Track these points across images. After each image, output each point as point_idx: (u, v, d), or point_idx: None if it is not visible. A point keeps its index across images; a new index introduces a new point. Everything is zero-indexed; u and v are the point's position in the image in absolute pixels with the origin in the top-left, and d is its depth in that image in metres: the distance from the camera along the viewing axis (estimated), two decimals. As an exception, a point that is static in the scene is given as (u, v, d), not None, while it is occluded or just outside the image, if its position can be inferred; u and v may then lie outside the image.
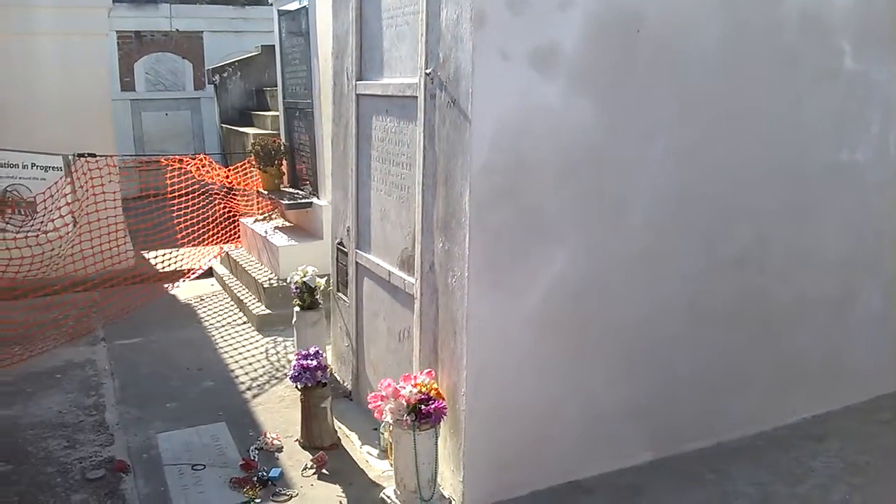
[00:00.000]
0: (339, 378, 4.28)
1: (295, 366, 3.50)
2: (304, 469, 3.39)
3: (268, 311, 5.53)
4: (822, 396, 3.79)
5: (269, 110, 9.76)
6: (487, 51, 2.78)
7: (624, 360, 3.23)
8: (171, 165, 6.88)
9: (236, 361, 4.81)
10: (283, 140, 6.88)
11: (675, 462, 3.33)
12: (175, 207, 6.82)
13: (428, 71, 3.08)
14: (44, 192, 6.26)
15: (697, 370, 3.42)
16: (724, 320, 3.45)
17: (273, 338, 5.20)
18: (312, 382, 3.49)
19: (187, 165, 6.76)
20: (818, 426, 3.66)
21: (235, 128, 10.27)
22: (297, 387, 3.57)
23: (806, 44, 3.43)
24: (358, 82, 3.84)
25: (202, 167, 6.76)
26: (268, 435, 3.64)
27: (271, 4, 6.98)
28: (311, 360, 3.48)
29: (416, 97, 3.19)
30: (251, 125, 10.09)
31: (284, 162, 6.72)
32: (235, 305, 6.05)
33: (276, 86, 7.33)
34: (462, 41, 2.83)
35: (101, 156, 6.34)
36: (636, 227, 3.18)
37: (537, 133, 2.92)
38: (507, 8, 2.79)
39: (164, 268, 6.78)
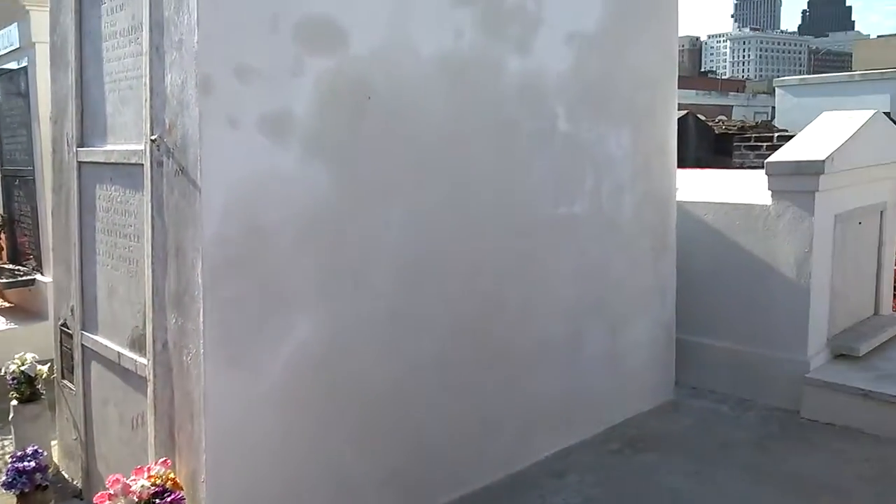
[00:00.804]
0: (67, 477, 3.82)
1: (9, 470, 3.07)
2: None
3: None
4: (562, 433, 4.05)
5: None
6: (215, 117, 2.69)
7: (374, 426, 3.21)
8: None
9: (-58, 469, 4.13)
10: (2, 211, 6.21)
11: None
12: None
13: (153, 137, 2.92)
14: None
15: (449, 425, 3.49)
16: (471, 373, 3.57)
17: (-13, 438, 4.56)
18: (30, 487, 3.08)
19: None
20: (559, 462, 3.89)
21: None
22: (14, 493, 3.13)
23: (525, 111, 3.72)
24: (79, 149, 3.55)
25: None
26: (-21, 553, 3.15)
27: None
28: (29, 461, 3.08)
29: (142, 165, 3.00)
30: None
31: (3, 235, 6.05)
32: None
33: (-6, 151, 6.62)
34: (188, 107, 2.72)
35: None
36: (380, 291, 3.21)
37: (272, 200, 2.86)
38: (234, 74, 2.72)
39: None
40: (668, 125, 4.54)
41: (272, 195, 2.86)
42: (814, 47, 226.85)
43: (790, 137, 6.97)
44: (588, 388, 4.20)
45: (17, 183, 6.13)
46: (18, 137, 6.10)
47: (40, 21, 5.12)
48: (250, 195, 2.80)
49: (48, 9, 3.85)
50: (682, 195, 4.77)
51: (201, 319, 2.69)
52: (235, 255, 2.77)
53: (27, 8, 5.65)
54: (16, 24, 5.92)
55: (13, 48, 6.05)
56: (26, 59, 5.86)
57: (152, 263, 2.95)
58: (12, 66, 6.10)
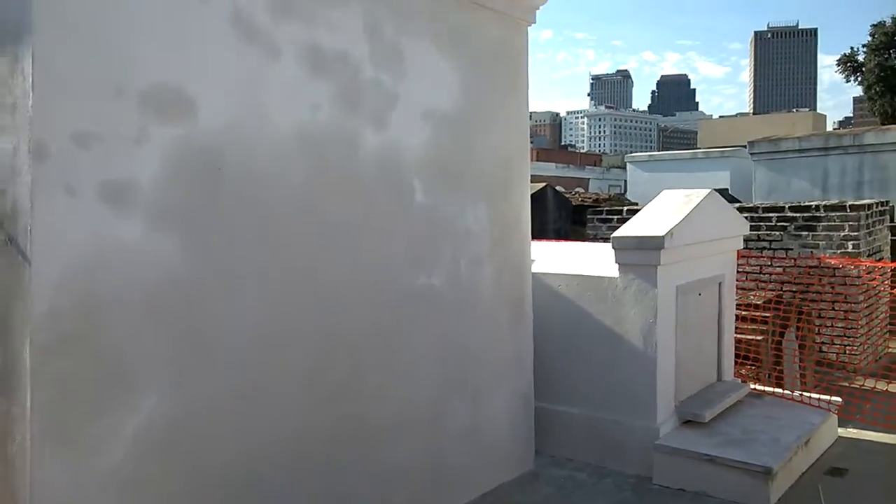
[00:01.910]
0: None
1: None
2: None
3: None
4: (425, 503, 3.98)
5: None
6: (50, 185, 2.54)
7: (223, 507, 3.04)
8: None
9: None
10: None
11: None
12: None
13: (-19, 205, 2.71)
14: None
15: (305, 502, 3.36)
16: (327, 448, 3.47)
17: None
18: None
19: None
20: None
21: None
22: None
23: (382, 184, 3.75)
24: None
25: None
26: None
27: None
28: None
29: (-31, 233, 2.78)
30: None
31: None
32: None
33: None
34: (20, 174, 2.55)
35: None
36: (231, 367, 3.08)
37: (113, 273, 2.71)
38: (73, 140, 2.59)
39: None
40: (523, 200, 4.71)
41: (113, 267, 2.71)
42: (662, 125, 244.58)
43: (637, 211, 7.42)
44: (449, 460, 4.17)
45: None
46: None
47: None
48: (88, 267, 2.64)
49: None
50: (538, 267, 4.93)
51: (28, 403, 2.48)
52: (70, 330, 2.60)
53: None
54: None
55: None
56: None
57: (-26, 344, 2.71)
58: None
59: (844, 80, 33.99)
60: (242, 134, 3.11)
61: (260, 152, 3.19)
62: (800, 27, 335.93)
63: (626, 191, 24.23)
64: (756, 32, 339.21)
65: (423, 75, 3.93)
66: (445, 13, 4.08)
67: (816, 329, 7.09)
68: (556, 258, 5.31)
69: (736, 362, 5.84)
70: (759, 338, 6.14)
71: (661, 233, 4.50)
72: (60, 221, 2.57)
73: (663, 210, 4.83)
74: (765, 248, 7.84)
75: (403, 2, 3.82)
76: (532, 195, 4.89)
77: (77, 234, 2.62)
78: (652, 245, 4.52)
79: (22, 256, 2.54)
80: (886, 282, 7.24)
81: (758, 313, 6.24)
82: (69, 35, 2.58)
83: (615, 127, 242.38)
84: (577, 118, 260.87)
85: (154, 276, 2.83)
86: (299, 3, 3.31)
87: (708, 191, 5.10)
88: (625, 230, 4.75)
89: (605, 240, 8.38)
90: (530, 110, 5.00)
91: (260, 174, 3.19)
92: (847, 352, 7.28)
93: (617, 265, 4.74)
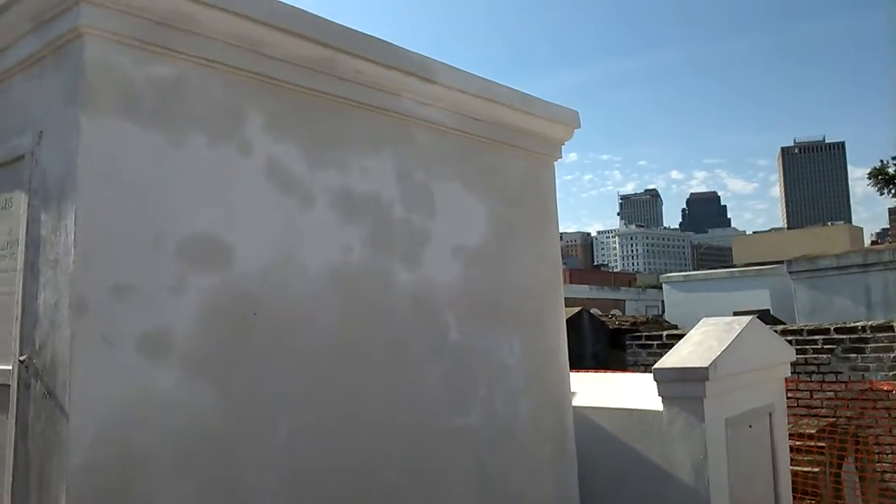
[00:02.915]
0: None
1: None
2: None
3: None
4: None
5: None
6: (89, 338, 2.56)
7: None
8: None
9: None
10: None
11: None
12: None
13: (22, 358, 2.74)
14: None
15: None
16: None
17: None
18: None
19: None
20: None
21: None
22: None
23: (416, 321, 3.73)
24: (-60, 365, 3.29)
25: None
26: None
27: None
28: None
29: (9, 386, 2.79)
30: None
31: None
32: None
33: None
34: (60, 328, 2.58)
35: None
36: (262, 513, 2.98)
37: (150, 424, 2.68)
38: (112, 293, 2.63)
39: None
40: (559, 331, 4.64)
41: (149, 418, 2.69)
42: (695, 242, 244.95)
43: (678, 336, 7.27)
44: None
45: None
46: None
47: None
48: (125, 419, 2.62)
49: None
50: (578, 400, 4.80)
51: (59, 560, 2.40)
52: (105, 485, 2.55)
53: None
54: None
55: None
56: None
57: (11, 496, 2.67)
58: None
59: (878, 192, 33.87)
60: (277, 278, 3.14)
61: (294, 295, 3.21)
62: (826, 141, 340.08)
63: (663, 311, 23.96)
64: (783, 148, 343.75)
65: (452, 213, 3.98)
66: (473, 154, 4.19)
67: (876, 457, 6.73)
68: (598, 390, 5.18)
69: (794, 497, 5.53)
70: (815, 470, 5.84)
71: (705, 364, 4.38)
72: (98, 374, 2.57)
73: (705, 339, 4.73)
74: (813, 372, 7.59)
75: (432, 147, 3.93)
76: (567, 319, 4.83)
77: (115, 386, 2.61)
78: (696, 377, 4.39)
79: (60, 410, 2.53)
80: (945, 404, 6.91)
81: (812, 443, 5.96)
82: (111, 191, 2.67)
83: (647, 245, 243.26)
84: (608, 237, 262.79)
85: (188, 426, 2.80)
86: (333, 153, 3.42)
87: (750, 318, 5.00)
88: (666, 361, 4.64)
89: (646, 366, 8.23)
90: (560, 231, 5.03)
91: (294, 316, 3.20)
92: (912, 480, 6.87)
93: (661, 398, 4.59)
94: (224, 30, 2.98)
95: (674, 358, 4.66)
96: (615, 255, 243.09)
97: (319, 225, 3.32)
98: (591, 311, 12.37)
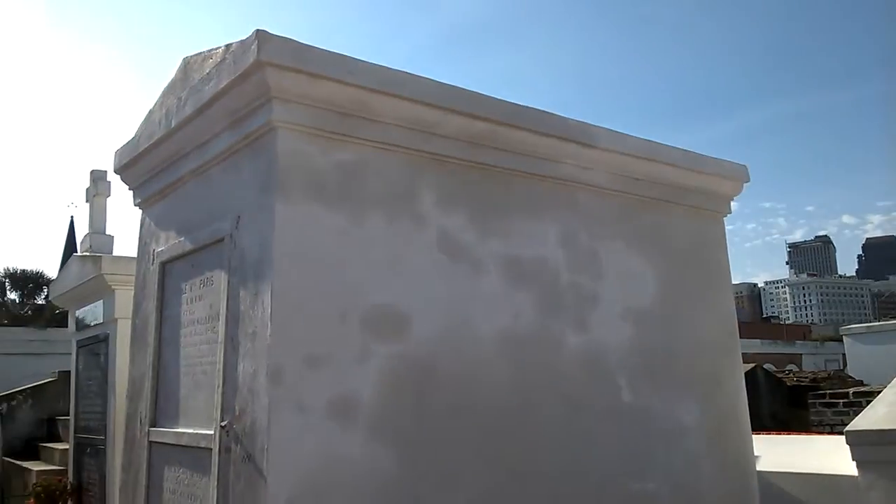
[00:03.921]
0: None
1: None
2: None
3: None
4: None
5: (60, 441, 8.96)
6: (284, 405, 2.76)
7: None
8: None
9: None
10: (71, 478, 6.24)
11: None
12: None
13: (223, 423, 2.98)
14: None
15: None
16: None
17: None
18: None
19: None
20: None
21: (18, 462, 9.23)
22: None
23: (587, 383, 3.71)
24: (151, 429, 3.63)
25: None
26: None
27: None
28: None
29: (211, 449, 3.04)
30: (38, 458, 9.14)
31: (70, 502, 6.03)
32: None
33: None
34: (258, 395, 2.80)
35: None
36: (444, 578, 3.03)
37: (339, 487, 2.83)
38: (304, 362, 2.83)
39: None
40: (738, 391, 4.44)
41: (340, 481, 2.84)
42: (875, 290, 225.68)
43: (866, 393, 6.71)
44: None
45: (88, 451, 6.23)
46: (94, 406, 6.29)
47: (124, 299, 5.53)
48: (317, 482, 2.78)
49: (132, 288, 4.14)
50: (763, 464, 4.53)
51: None
52: (298, 544, 2.69)
53: (113, 287, 6.11)
54: (101, 300, 6.38)
55: (97, 322, 6.46)
56: (108, 333, 6.23)
57: (213, 556, 2.88)
58: (94, 338, 6.47)
59: None
60: (451, 344, 3.25)
61: (467, 359, 3.30)
62: None
63: (844, 366, 22.12)
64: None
65: (619, 274, 3.96)
66: (637, 214, 4.16)
67: None
68: (782, 453, 4.87)
69: None
70: None
71: (905, 427, 4.01)
72: (293, 439, 2.75)
73: (901, 398, 4.34)
74: None
75: (594, 209, 3.95)
76: (741, 377, 4.61)
77: (307, 450, 2.78)
78: None
79: (258, 473, 2.72)
80: None
81: None
82: (304, 269, 2.90)
83: (822, 295, 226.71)
84: (777, 288, 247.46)
85: (372, 489, 2.91)
86: (498, 221, 3.53)
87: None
88: (860, 422, 4.29)
89: (832, 426, 7.63)
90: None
91: (467, 380, 3.28)
92: None
93: (855, 462, 4.24)
94: (396, 114, 3.20)
95: (868, 418, 4.31)
96: (786, 306, 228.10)
97: (490, 291, 3.42)
98: (765, 366, 11.68)
